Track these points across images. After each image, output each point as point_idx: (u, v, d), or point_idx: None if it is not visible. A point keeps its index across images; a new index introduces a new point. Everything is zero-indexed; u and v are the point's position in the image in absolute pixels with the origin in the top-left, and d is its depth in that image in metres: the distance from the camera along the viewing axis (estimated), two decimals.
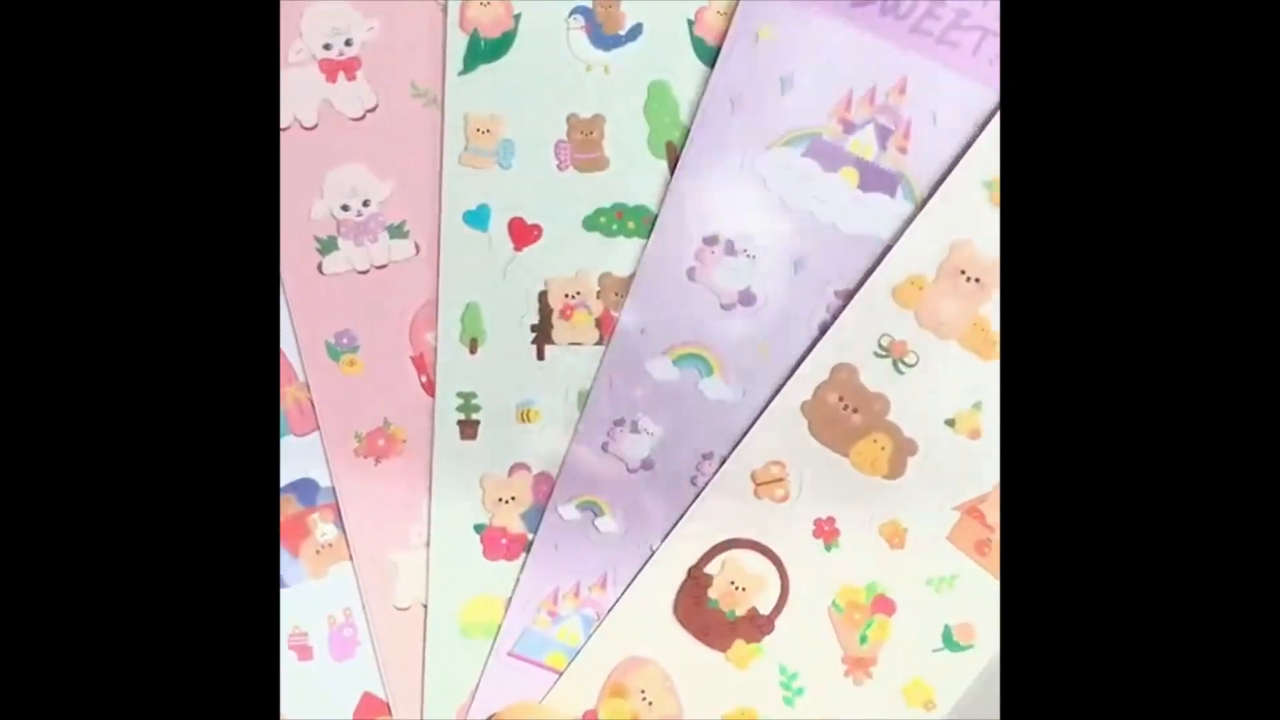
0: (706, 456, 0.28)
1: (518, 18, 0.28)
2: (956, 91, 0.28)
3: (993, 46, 0.29)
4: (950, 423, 0.27)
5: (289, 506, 0.28)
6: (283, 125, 0.27)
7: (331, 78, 0.27)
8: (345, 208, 0.27)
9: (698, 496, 0.27)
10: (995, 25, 0.28)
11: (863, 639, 0.28)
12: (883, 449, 0.27)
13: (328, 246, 0.27)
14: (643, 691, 0.28)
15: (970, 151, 0.28)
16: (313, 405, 0.27)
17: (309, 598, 0.28)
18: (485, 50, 0.27)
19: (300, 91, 0.27)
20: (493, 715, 0.28)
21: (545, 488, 0.28)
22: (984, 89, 0.28)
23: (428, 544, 0.28)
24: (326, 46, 0.27)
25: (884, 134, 0.28)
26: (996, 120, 0.28)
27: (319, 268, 0.27)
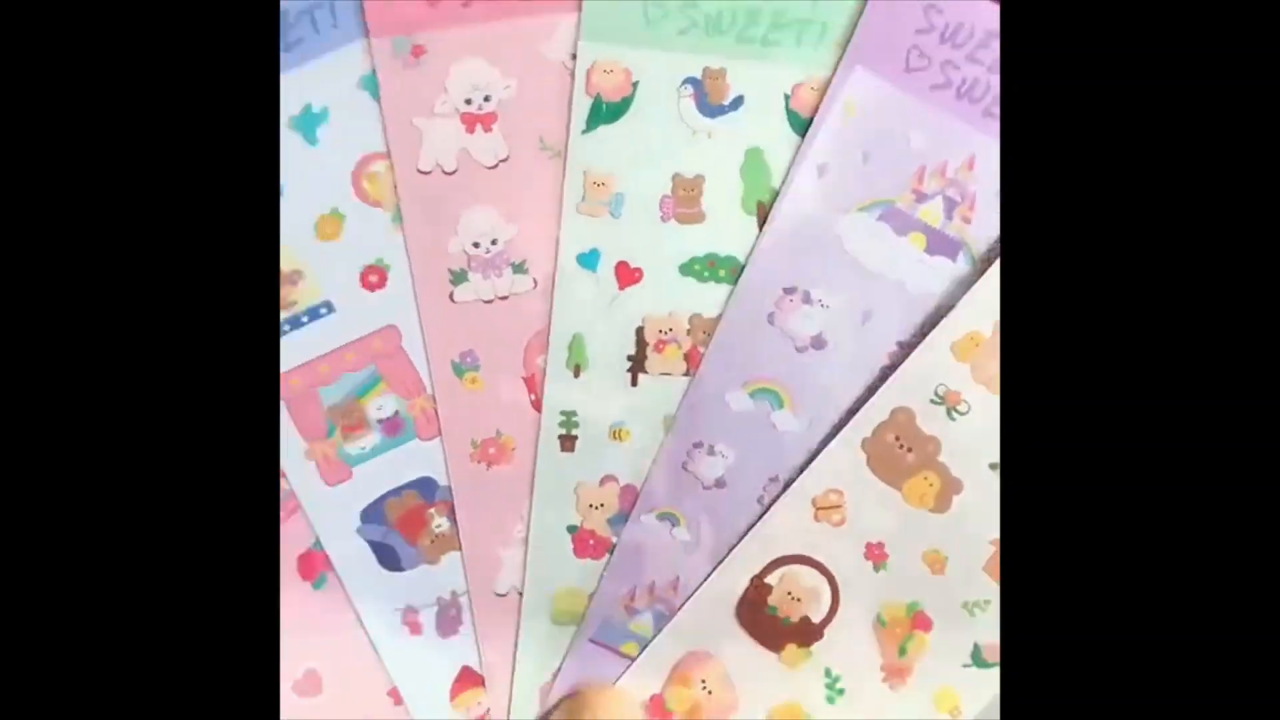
0: (773, 480, 0.31)
1: (636, 85, 0.31)
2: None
3: None
4: (993, 466, 0.31)
5: (410, 500, 0.31)
6: (425, 168, 0.31)
7: (470, 129, 0.31)
8: (476, 245, 0.31)
9: (763, 515, 0.31)
10: None
11: (902, 651, 0.31)
12: (931, 485, 0.31)
13: (459, 278, 0.31)
14: (703, 681, 0.32)
15: None
16: (436, 414, 0.31)
17: (422, 580, 0.31)
18: (606, 113, 0.31)
19: (443, 140, 0.31)
20: (574, 689, 0.32)
21: (630, 498, 0.31)
22: None
23: (526, 540, 0.31)
24: (468, 101, 0.31)
25: (950, 205, 0.31)
26: None
27: (450, 296, 0.31)
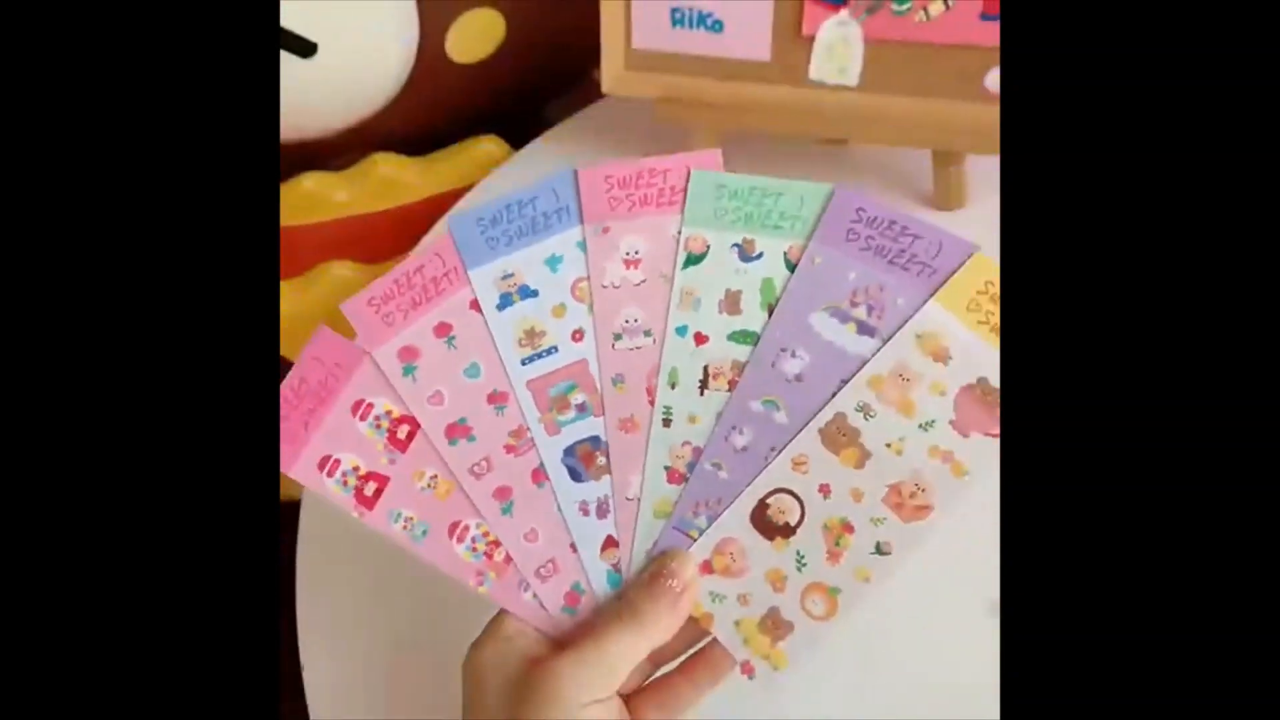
0: (774, 448, 0.58)
1: (709, 246, 0.60)
2: (909, 292, 0.57)
3: (932, 274, 0.58)
4: (887, 445, 0.56)
5: (587, 447, 0.53)
6: (605, 284, 0.61)
7: (628, 268, 0.61)
8: (626, 321, 0.61)
9: (764, 468, 0.57)
10: (934, 262, 0.58)
11: (837, 543, 0.56)
12: (854, 454, 0.56)
13: (619, 337, 0.60)
14: (731, 554, 0.58)
15: (912, 320, 0.57)
16: (603, 405, 0.60)
17: (591, 489, 0.57)
18: (693, 260, 0.60)
19: (614, 271, 0.61)
20: (661, 552, 0.58)
21: (695, 456, 0.59)
22: (922, 292, 0.57)
23: (643, 472, 0.59)
24: (627, 254, 0.61)
25: (869, 310, 0.58)
26: (931, 303, 0.57)
27: (613, 345, 0.60)
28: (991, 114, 0.74)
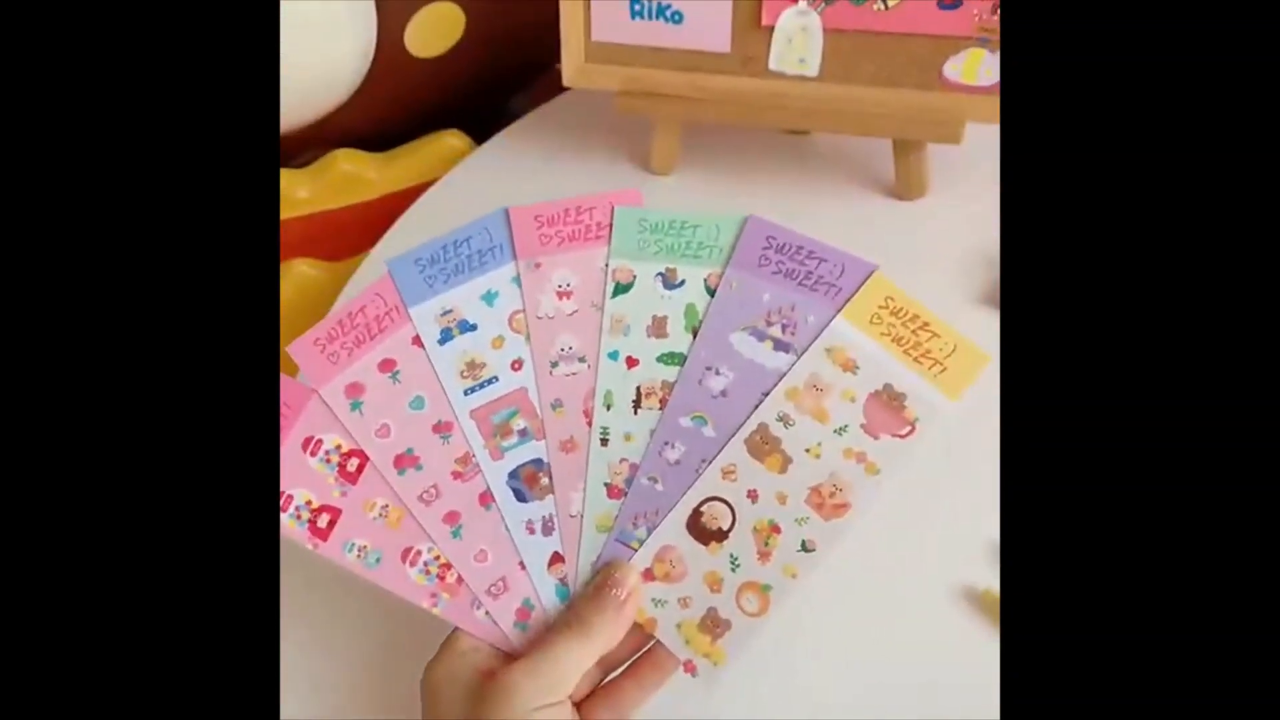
0: (704, 460, 0.62)
1: (635, 276, 0.64)
2: (818, 310, 0.62)
3: (838, 293, 0.64)
4: (807, 450, 0.61)
5: (530, 470, 0.63)
6: (539, 315, 0.65)
7: (561, 299, 0.65)
8: (562, 350, 0.65)
9: (696, 479, 0.62)
10: (839, 281, 0.63)
11: (765, 543, 0.61)
12: (777, 460, 0.61)
13: (555, 365, 0.64)
14: (670, 561, 0.62)
15: (821, 335, 0.62)
16: (543, 429, 0.64)
17: (535, 508, 0.63)
18: (621, 289, 0.64)
19: (548, 303, 0.65)
20: (606, 563, 0.62)
21: (631, 471, 0.63)
22: (829, 309, 0.63)
23: (584, 490, 0.63)
24: (559, 286, 0.65)
25: (784, 327, 0.63)
26: (838, 319, 0.62)
27: (550, 372, 0.64)
28: (951, 102, 0.74)
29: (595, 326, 0.58)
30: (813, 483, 0.59)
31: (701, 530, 0.59)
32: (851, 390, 0.59)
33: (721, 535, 0.59)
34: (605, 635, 0.50)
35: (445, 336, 0.58)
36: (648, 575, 0.59)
